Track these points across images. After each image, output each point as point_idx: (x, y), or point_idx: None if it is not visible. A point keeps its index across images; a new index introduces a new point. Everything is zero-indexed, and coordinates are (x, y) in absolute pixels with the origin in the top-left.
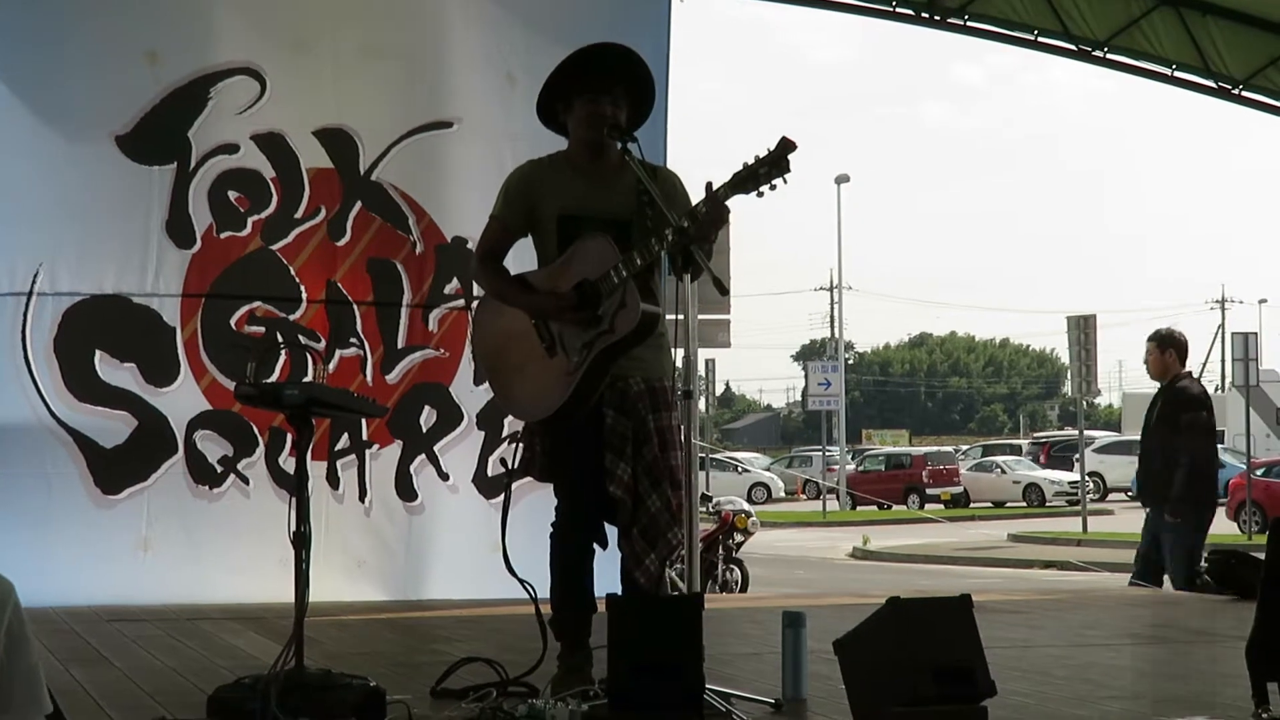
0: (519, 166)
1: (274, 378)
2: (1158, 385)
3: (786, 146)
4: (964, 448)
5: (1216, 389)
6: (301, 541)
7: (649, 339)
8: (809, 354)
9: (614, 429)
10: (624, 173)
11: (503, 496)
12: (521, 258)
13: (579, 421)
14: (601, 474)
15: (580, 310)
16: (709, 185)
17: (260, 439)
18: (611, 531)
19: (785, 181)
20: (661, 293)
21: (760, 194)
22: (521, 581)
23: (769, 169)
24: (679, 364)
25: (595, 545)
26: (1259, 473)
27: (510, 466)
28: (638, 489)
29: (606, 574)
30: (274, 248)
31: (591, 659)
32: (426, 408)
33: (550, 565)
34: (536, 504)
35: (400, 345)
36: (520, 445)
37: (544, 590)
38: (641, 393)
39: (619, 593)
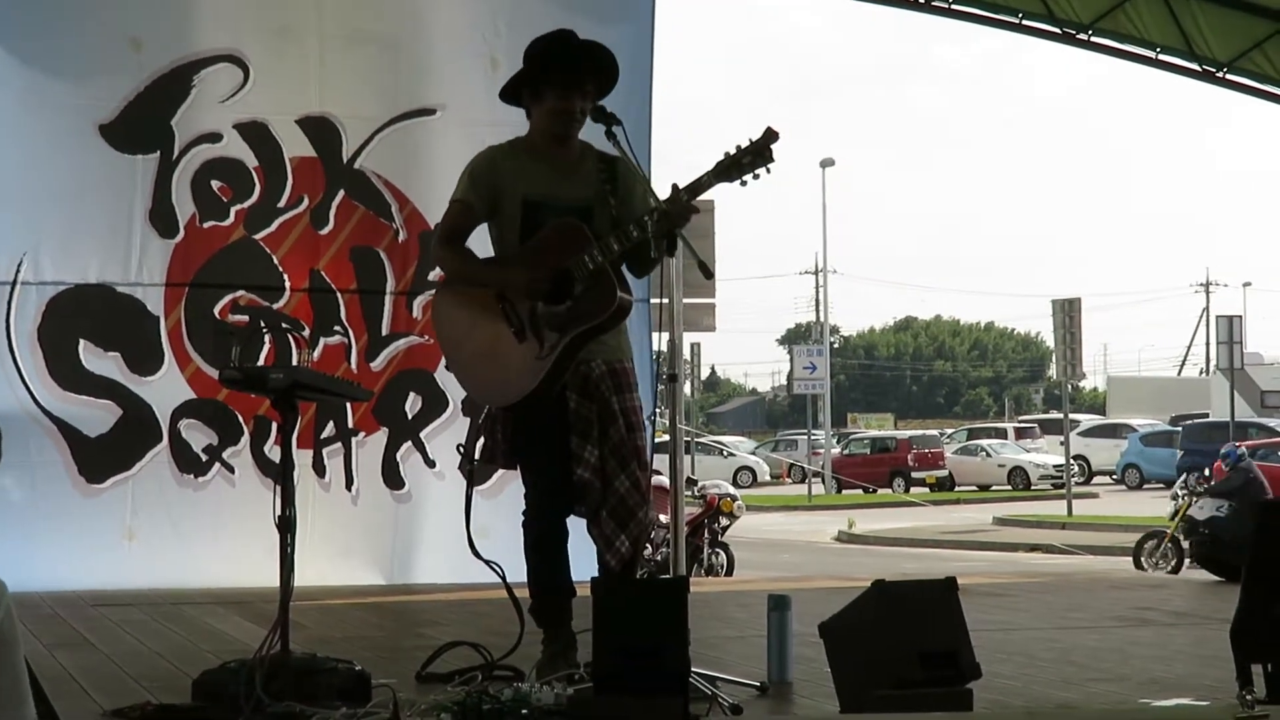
0: (481, 151)
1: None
2: None
3: (770, 136)
4: (949, 431)
5: (1201, 372)
6: (286, 525)
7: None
8: (794, 338)
9: (578, 413)
10: (584, 161)
11: (485, 482)
12: (480, 245)
13: (542, 406)
14: (568, 458)
15: (550, 291)
16: (673, 185)
17: (245, 428)
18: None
19: (769, 171)
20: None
21: (744, 183)
22: (489, 563)
23: (752, 158)
24: (664, 348)
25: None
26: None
27: (471, 455)
28: (605, 470)
29: (587, 557)
30: (257, 237)
31: (575, 643)
32: (412, 394)
33: (525, 552)
34: (519, 491)
35: (384, 332)
36: (482, 434)
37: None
38: (603, 375)
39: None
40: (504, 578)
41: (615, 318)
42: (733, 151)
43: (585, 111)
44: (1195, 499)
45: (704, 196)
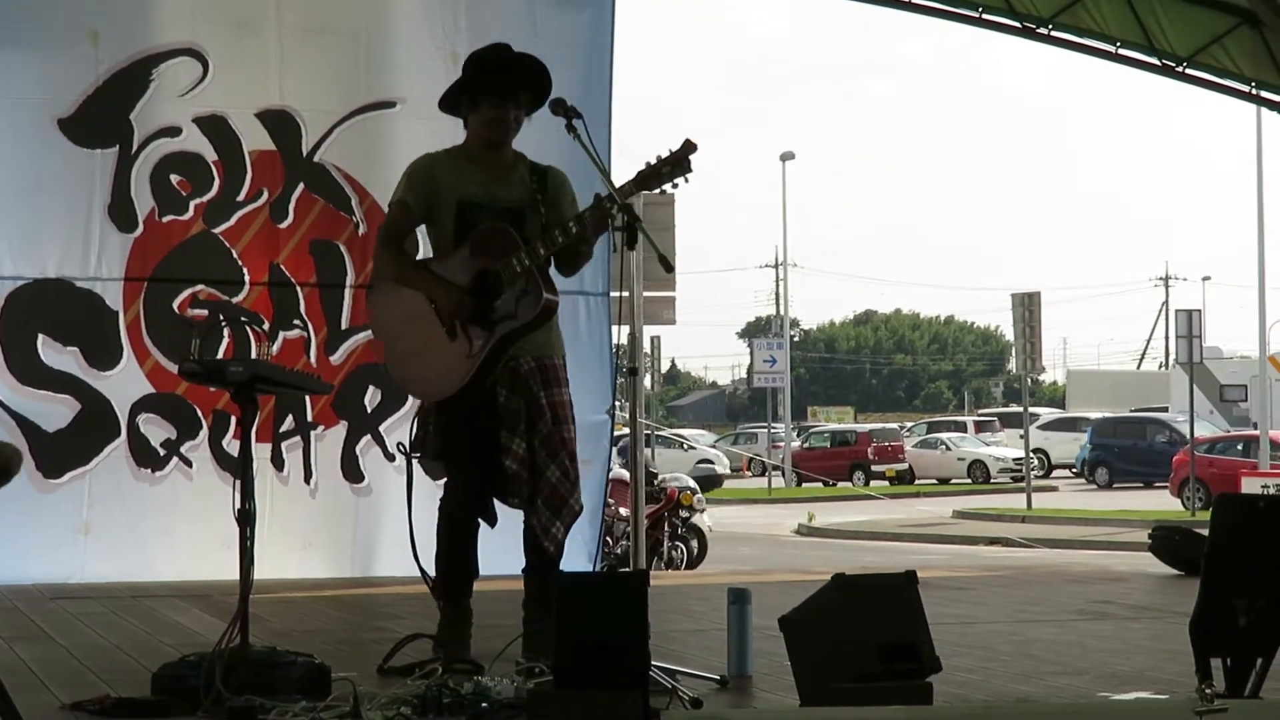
0: (419, 156)
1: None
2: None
3: (688, 148)
4: (909, 425)
5: (1161, 366)
6: (246, 518)
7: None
8: (754, 331)
9: (507, 406)
10: (517, 167)
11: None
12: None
13: (472, 402)
14: (493, 451)
15: (477, 304)
16: (596, 195)
17: (204, 422)
18: (510, 511)
19: (687, 181)
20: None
21: (663, 191)
22: (422, 571)
23: (671, 168)
24: (624, 341)
25: (482, 521)
26: (1203, 449)
27: (408, 447)
28: (535, 462)
29: (514, 551)
30: (216, 231)
31: (470, 619)
32: (371, 388)
33: (437, 535)
34: None
35: (344, 326)
36: (415, 425)
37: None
38: (532, 370)
39: (525, 563)
40: (431, 585)
41: (542, 318)
42: (653, 161)
43: (519, 120)
44: None
45: (665, 190)
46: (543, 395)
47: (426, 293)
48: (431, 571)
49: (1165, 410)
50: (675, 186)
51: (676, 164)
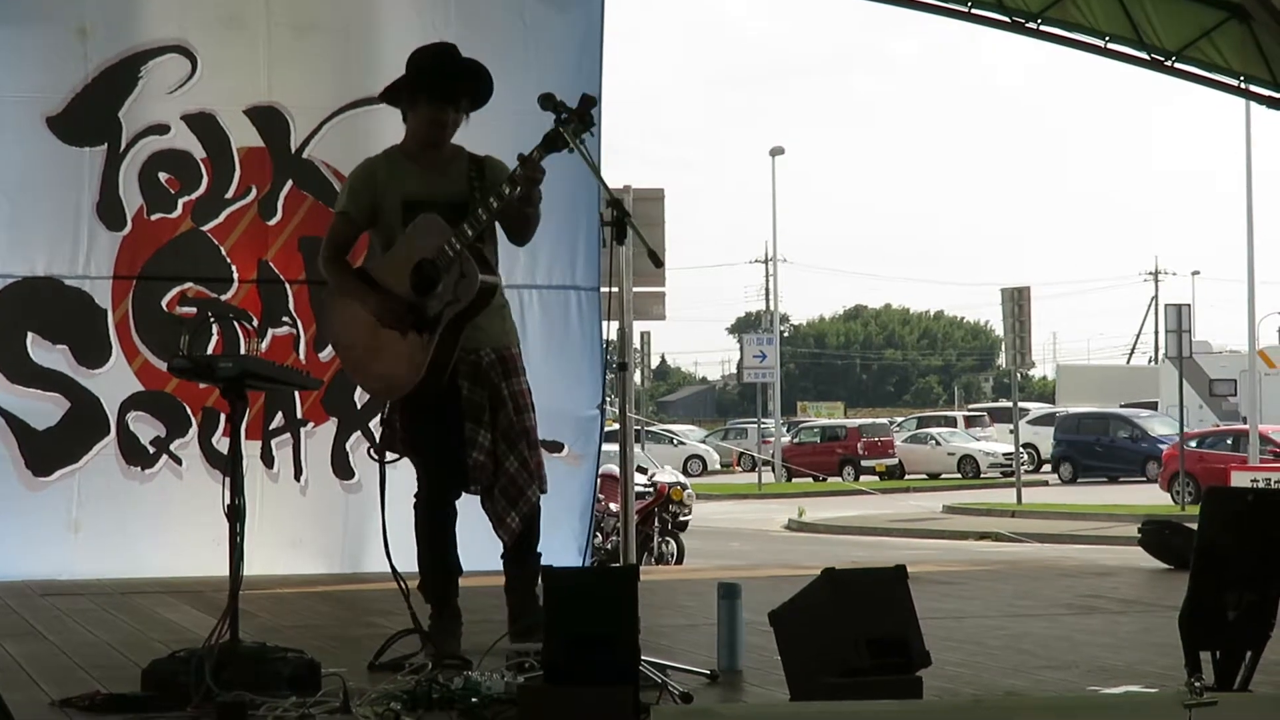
0: (360, 163)
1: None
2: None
3: (587, 103)
4: (899, 420)
5: (1150, 360)
6: (236, 514)
7: (491, 307)
8: (744, 326)
9: (470, 399)
10: (456, 160)
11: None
12: None
13: (436, 396)
14: (460, 445)
15: (416, 309)
16: (520, 155)
17: (193, 419)
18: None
19: (591, 134)
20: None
21: (571, 149)
22: (395, 572)
23: (576, 125)
24: (614, 336)
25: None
26: (1192, 444)
27: (377, 447)
28: (496, 451)
29: (491, 545)
30: (205, 228)
31: (461, 619)
32: None
33: (416, 534)
34: None
35: None
36: (382, 426)
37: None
38: (493, 362)
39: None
40: (406, 591)
41: (482, 297)
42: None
43: (457, 122)
44: None
45: (653, 185)
46: (504, 385)
47: (369, 311)
48: (415, 569)
49: (1155, 405)
50: (582, 142)
51: (580, 120)
